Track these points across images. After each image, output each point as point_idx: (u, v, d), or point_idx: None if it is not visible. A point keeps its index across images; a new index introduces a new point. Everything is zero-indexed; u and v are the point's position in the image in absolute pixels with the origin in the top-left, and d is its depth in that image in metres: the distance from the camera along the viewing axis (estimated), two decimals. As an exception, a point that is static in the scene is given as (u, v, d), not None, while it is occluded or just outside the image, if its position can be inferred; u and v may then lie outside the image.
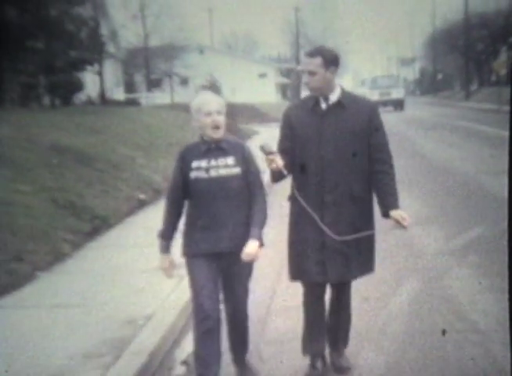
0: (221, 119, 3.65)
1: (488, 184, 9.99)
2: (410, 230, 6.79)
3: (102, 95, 23.60)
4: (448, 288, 5.39)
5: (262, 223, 3.69)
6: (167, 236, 3.76)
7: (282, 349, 4.37)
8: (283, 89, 55.69)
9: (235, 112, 26.98)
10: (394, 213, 3.63)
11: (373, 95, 34.83)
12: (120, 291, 5.61)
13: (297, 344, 4.06)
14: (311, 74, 3.69)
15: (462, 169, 11.96)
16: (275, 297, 5.45)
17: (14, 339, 4.63)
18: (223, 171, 3.66)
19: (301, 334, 4.02)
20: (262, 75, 52.00)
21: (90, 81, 25.53)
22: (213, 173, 3.64)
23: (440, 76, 58.38)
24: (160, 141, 15.26)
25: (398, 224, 3.62)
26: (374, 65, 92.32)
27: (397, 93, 38.18)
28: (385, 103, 36.34)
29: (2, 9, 14.65)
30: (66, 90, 17.96)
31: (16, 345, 4.50)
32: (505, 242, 6.00)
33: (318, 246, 3.72)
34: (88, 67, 20.10)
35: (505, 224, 6.71)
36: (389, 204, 3.69)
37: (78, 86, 19.51)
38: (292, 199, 3.81)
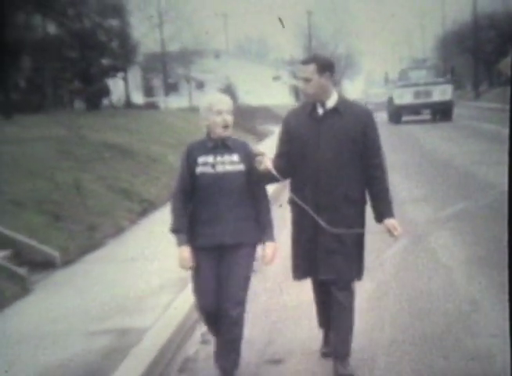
0: (230, 118, 3.83)
1: (478, 172, 11.54)
2: (404, 206, 8.54)
3: (128, 100, 25.39)
4: (429, 244, 7.02)
5: (271, 223, 3.94)
6: (181, 229, 3.87)
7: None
8: (295, 91, 57.08)
9: (251, 114, 28.67)
10: (387, 222, 3.85)
11: (404, 98, 25.64)
12: (171, 248, 7.28)
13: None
14: (306, 80, 3.86)
15: (457, 161, 13.48)
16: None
17: (107, 279, 6.34)
18: (229, 167, 3.83)
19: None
20: (276, 78, 53.30)
21: (113, 86, 27.34)
22: (219, 169, 3.82)
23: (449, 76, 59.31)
24: (186, 140, 16.96)
25: (389, 232, 3.85)
26: (386, 66, 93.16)
27: (441, 93, 25.39)
28: (421, 109, 27.02)
29: (44, 24, 16.44)
30: (96, 95, 19.75)
31: (113, 280, 6.21)
32: (483, 214, 7.69)
33: (313, 245, 3.88)
34: (114, 73, 21.89)
35: (486, 201, 8.43)
36: (383, 211, 3.89)
37: (106, 91, 21.33)
38: (291, 201, 3.99)
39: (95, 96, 19.84)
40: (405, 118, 26.77)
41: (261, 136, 23.78)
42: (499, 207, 8.10)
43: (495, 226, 7.07)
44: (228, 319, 3.84)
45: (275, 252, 3.91)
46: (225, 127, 3.82)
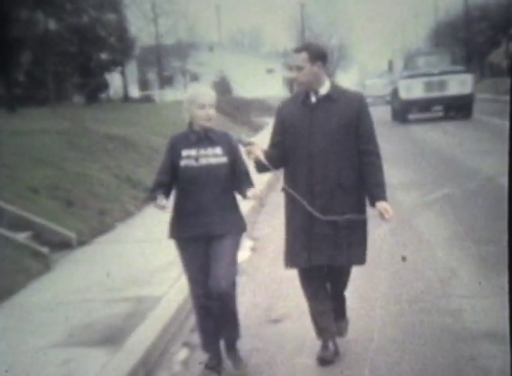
0: (213, 112, 3.91)
1: (466, 159, 12.19)
2: (394, 192, 9.18)
3: (125, 93, 25.98)
4: (415, 224, 7.68)
5: (251, 179, 4.05)
6: (155, 194, 3.86)
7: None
8: (290, 84, 57.52)
9: (246, 106, 29.25)
10: (379, 205, 3.86)
11: (413, 91, 20.34)
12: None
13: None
14: (299, 68, 3.90)
15: (448, 150, 14.10)
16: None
17: (120, 257, 6.97)
18: (212, 160, 3.90)
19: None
20: (270, 71, 53.84)
21: (110, 80, 27.86)
22: (202, 162, 3.89)
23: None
24: (184, 132, 17.60)
25: (381, 215, 3.86)
26: (380, 58, 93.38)
27: (460, 84, 19.99)
28: (434, 104, 21.27)
29: (45, 20, 17.01)
30: (96, 89, 20.33)
31: (125, 258, 6.84)
32: (467, 197, 8.36)
33: (306, 233, 3.92)
34: (113, 68, 22.48)
35: (469, 185, 9.10)
36: (375, 195, 3.90)
37: (105, 85, 21.90)
38: (284, 190, 4.04)
39: (94, 90, 20.39)
40: (413, 116, 21.88)
41: (256, 128, 24.36)
42: (482, 191, 8.81)
43: (477, 208, 7.75)
44: (220, 291, 3.87)
45: (259, 193, 4.01)
46: (208, 120, 3.89)
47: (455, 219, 7.67)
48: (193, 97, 3.88)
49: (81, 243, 7.48)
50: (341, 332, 4.33)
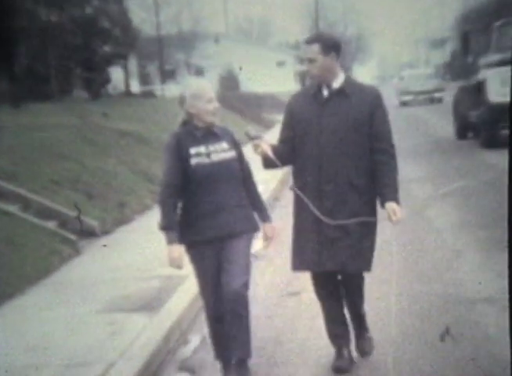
0: (218, 105, 4.10)
1: (483, 153, 13.31)
2: (408, 185, 10.31)
3: (127, 88, 27.20)
4: (428, 214, 8.84)
5: (264, 203, 4.40)
6: (170, 226, 4.05)
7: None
8: (302, 78, 58.26)
9: (256, 102, 30.44)
10: (387, 205, 3.94)
11: None
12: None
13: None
14: (311, 61, 4.00)
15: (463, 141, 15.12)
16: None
17: (143, 244, 8.17)
18: (223, 155, 4.07)
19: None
20: (280, 63, 54.65)
21: (111, 74, 29.06)
22: (214, 157, 4.03)
23: (471, 59, 59.72)
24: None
25: (388, 217, 3.95)
26: (401, 49, 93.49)
27: None
28: None
29: (48, 12, 18.27)
30: (98, 84, 21.57)
31: (148, 245, 8.01)
32: (480, 189, 9.56)
33: (315, 234, 4.04)
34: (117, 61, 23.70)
35: (482, 179, 10.33)
36: (385, 195, 3.98)
37: (107, 80, 23.17)
38: (293, 189, 4.17)
39: (98, 85, 21.60)
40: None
41: (267, 125, 25.43)
42: (496, 183, 9.92)
43: (489, 199, 8.88)
44: (234, 289, 4.03)
45: (274, 232, 4.30)
46: (214, 114, 4.07)
47: (467, 209, 8.82)
48: (200, 91, 4.03)
49: (104, 232, 8.71)
50: (365, 351, 4.41)
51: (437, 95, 32.61)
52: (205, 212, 4.03)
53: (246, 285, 4.12)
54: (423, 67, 36.48)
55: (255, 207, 4.26)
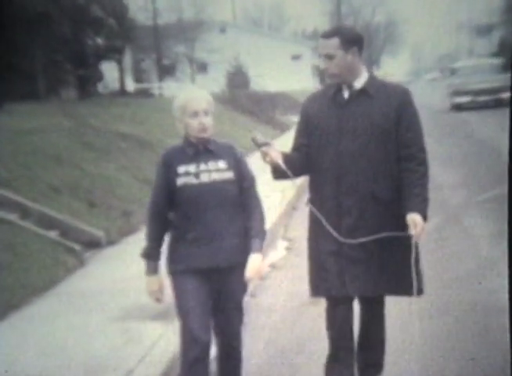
0: (208, 120, 4.04)
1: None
2: (443, 192, 11.06)
3: (122, 86, 27.96)
4: (462, 222, 9.59)
5: (263, 234, 4.16)
6: (153, 254, 4.22)
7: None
8: (320, 73, 58.34)
9: (269, 101, 31.10)
10: (408, 217, 3.94)
11: None
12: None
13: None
14: (329, 57, 4.01)
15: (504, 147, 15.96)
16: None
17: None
18: (215, 176, 4.06)
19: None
20: (296, 57, 55.00)
21: (104, 70, 29.69)
22: (204, 178, 4.04)
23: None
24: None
25: (409, 228, 3.94)
26: (439, 37, 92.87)
27: None
28: None
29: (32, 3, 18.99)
30: (89, 81, 22.35)
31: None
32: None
33: (334, 255, 4.10)
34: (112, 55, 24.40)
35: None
36: (407, 205, 3.97)
37: (100, 77, 24.00)
38: (308, 205, 4.27)
39: (89, 82, 22.36)
40: None
41: (282, 128, 25.95)
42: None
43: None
44: (230, 350, 4.32)
45: (262, 266, 4.13)
46: (203, 131, 4.04)
47: (502, 217, 9.55)
48: (183, 103, 4.05)
49: (109, 243, 9.48)
50: None
51: (504, 95, 25.72)
52: (191, 239, 4.09)
53: (240, 334, 4.32)
54: (484, 57, 30.76)
55: (251, 235, 4.15)
